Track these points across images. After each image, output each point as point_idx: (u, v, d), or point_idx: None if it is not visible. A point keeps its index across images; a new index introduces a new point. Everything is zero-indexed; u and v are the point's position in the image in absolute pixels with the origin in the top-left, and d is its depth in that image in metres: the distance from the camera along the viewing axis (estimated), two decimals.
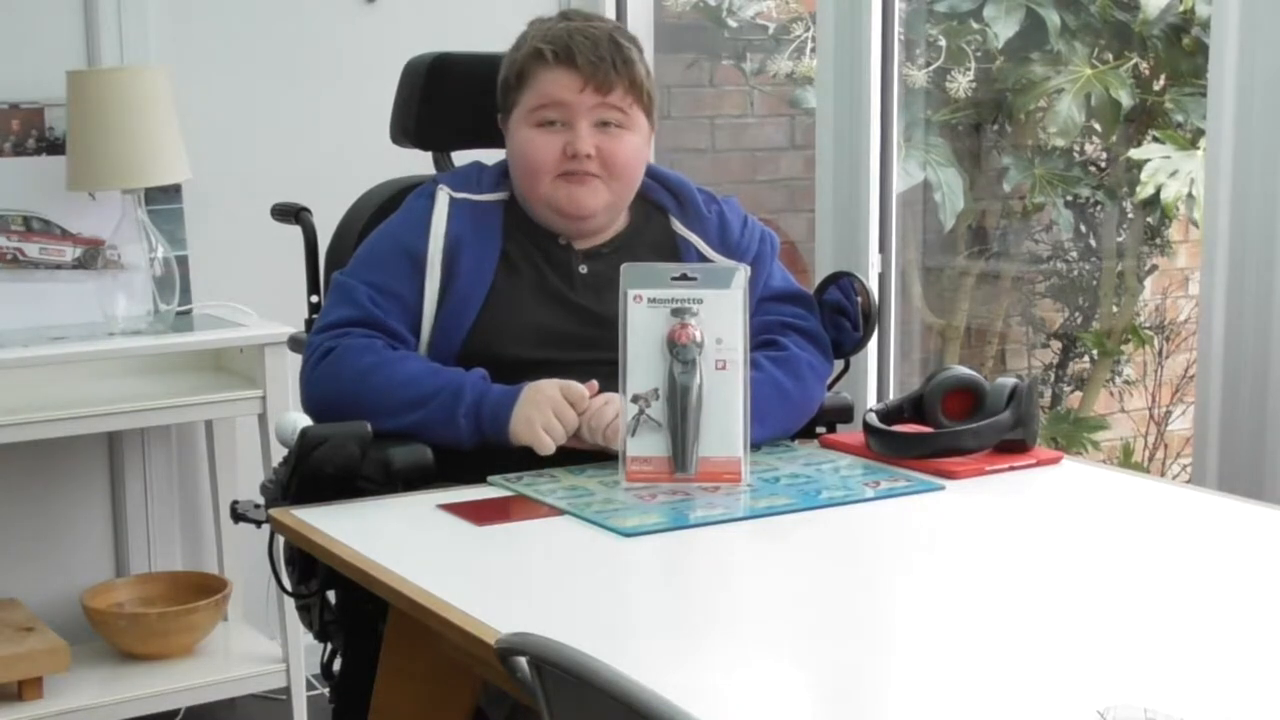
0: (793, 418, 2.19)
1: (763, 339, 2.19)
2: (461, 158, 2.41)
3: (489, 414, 2.02)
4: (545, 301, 2.18)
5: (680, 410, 1.96)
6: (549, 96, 2.17)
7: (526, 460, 2.03)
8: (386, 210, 2.30)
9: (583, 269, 2.21)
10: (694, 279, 2.00)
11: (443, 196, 2.21)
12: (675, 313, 1.98)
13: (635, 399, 1.98)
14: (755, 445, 2.06)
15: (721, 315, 1.97)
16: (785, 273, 2.31)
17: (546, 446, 2.01)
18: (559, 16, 2.25)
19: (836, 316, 2.27)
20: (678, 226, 2.28)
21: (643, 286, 2.00)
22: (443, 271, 2.16)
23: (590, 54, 2.15)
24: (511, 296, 2.17)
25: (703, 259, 2.24)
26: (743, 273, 2.00)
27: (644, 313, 1.99)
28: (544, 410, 2.01)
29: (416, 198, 2.24)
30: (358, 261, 2.21)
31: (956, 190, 3.75)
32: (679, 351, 1.96)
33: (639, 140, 2.22)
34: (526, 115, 2.19)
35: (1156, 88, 3.77)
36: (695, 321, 1.97)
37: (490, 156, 2.32)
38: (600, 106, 2.17)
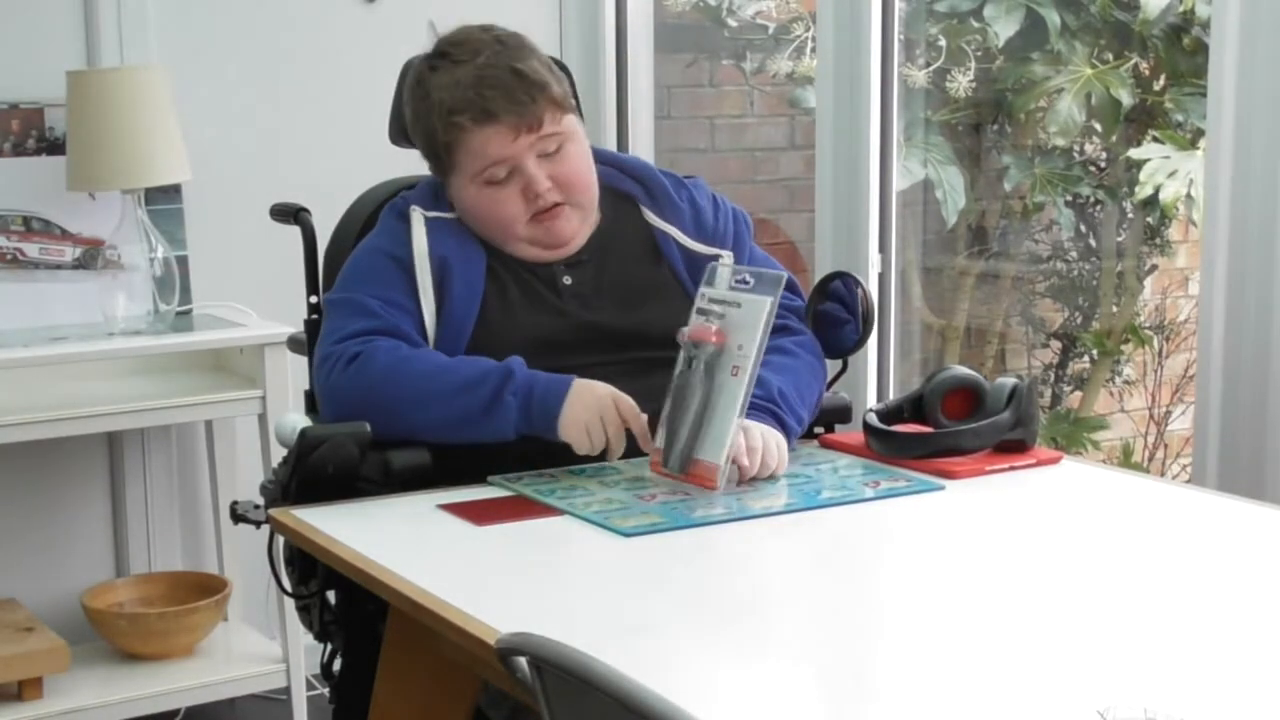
0: (819, 399, 2.23)
1: None
2: None
3: (539, 401, 1.99)
4: (537, 312, 2.17)
5: (674, 407, 1.96)
6: (488, 158, 2.14)
7: (526, 460, 2.04)
8: None
9: (566, 279, 2.20)
10: (748, 284, 1.98)
11: (417, 216, 2.19)
12: (700, 312, 1.98)
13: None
14: (805, 432, 2.16)
15: (750, 322, 1.94)
16: (763, 252, 2.33)
17: (584, 449, 1.99)
18: (445, 58, 2.17)
19: (834, 317, 2.27)
20: (651, 218, 2.27)
21: (708, 285, 2.00)
22: (435, 290, 2.14)
23: (505, 102, 2.12)
24: (504, 311, 2.15)
25: (682, 249, 2.24)
26: (779, 284, 1.97)
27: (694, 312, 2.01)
28: (592, 412, 1.99)
29: (390, 217, 2.22)
30: (353, 278, 2.18)
31: (958, 188, 3.74)
32: (686, 349, 1.96)
33: (579, 144, 2.21)
34: (472, 179, 2.16)
35: (1156, 88, 3.77)
36: (722, 324, 1.96)
37: None
38: (537, 141, 2.15)
